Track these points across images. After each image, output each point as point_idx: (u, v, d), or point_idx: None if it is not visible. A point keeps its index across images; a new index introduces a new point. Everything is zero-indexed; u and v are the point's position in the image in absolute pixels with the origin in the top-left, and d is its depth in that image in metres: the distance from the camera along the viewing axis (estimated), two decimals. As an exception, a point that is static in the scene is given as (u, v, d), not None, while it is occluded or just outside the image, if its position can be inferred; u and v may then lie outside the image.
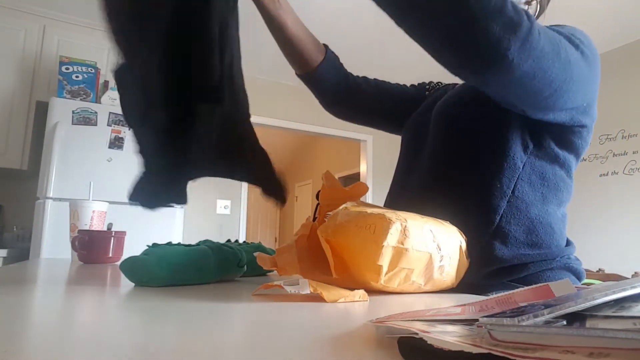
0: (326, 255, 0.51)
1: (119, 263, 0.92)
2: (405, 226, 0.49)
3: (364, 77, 0.95)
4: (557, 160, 0.69)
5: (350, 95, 0.93)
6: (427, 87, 0.94)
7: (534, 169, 0.67)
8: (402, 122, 0.91)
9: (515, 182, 0.66)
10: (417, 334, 0.22)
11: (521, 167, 0.67)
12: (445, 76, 0.89)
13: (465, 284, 0.60)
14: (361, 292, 0.45)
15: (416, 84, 0.97)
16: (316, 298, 0.44)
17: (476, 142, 0.71)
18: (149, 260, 0.52)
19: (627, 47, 3.10)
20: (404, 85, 0.97)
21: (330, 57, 0.91)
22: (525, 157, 0.67)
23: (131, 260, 0.53)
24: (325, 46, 0.91)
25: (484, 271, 0.65)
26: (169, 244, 0.58)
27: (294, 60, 0.88)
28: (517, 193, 0.66)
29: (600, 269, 2.62)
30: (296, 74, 0.92)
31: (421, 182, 0.75)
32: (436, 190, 0.73)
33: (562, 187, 0.70)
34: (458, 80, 0.70)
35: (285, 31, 0.82)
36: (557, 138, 0.67)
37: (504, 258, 0.64)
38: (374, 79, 0.96)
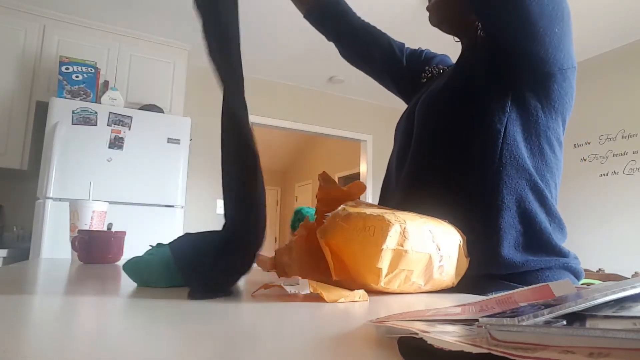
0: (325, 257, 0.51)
1: (119, 263, 0.92)
2: (405, 228, 0.49)
3: (366, 26, 0.99)
4: (546, 138, 0.69)
5: (350, 40, 0.99)
6: (424, 73, 0.94)
7: (519, 156, 0.68)
8: (397, 81, 0.98)
9: (501, 152, 0.67)
10: (417, 334, 0.22)
11: (502, 132, 0.68)
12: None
13: (466, 284, 0.60)
14: (361, 292, 0.45)
15: (425, 49, 0.99)
16: (316, 298, 0.44)
17: (454, 136, 0.72)
18: (155, 260, 0.51)
19: (627, 47, 3.10)
20: (408, 48, 0.99)
21: (335, 3, 0.98)
22: (504, 120, 0.68)
23: (135, 260, 0.53)
24: None
25: (486, 264, 0.65)
26: (158, 244, 0.57)
27: None
28: (504, 165, 0.67)
29: (600, 269, 2.62)
30: (303, 15, 1.00)
31: (411, 179, 0.76)
32: (426, 186, 0.73)
33: (553, 163, 0.71)
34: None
35: None
36: (535, 91, 0.68)
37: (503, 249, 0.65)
38: (379, 31, 1.00)
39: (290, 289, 0.43)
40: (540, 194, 0.68)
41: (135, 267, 0.52)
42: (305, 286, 0.43)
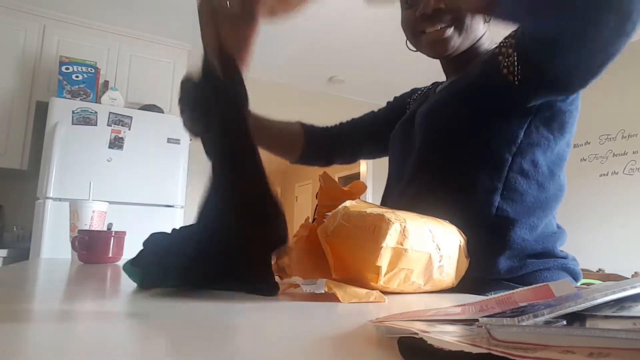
0: (326, 256, 0.51)
1: (119, 263, 0.92)
2: (405, 227, 0.49)
3: (340, 128, 1.03)
4: (549, 148, 0.69)
5: (340, 153, 1.04)
6: (409, 98, 0.96)
7: (524, 160, 0.68)
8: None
9: (507, 176, 0.67)
10: (417, 334, 0.22)
11: (510, 160, 0.68)
12: (440, 75, 0.90)
13: (465, 284, 0.60)
14: (376, 292, 0.44)
15: (393, 98, 1.02)
16: (318, 297, 0.44)
17: (460, 142, 0.71)
18: None
19: (627, 47, 3.09)
20: (379, 111, 1.02)
21: (309, 136, 1.01)
22: (514, 149, 0.68)
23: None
24: (300, 124, 1.02)
25: (490, 266, 0.65)
26: None
27: (283, 151, 1.01)
28: (509, 185, 0.67)
29: (600, 269, 2.62)
30: (291, 162, 1.04)
31: (416, 187, 0.76)
32: (430, 193, 0.73)
33: (556, 178, 0.71)
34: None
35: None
36: (549, 124, 0.68)
37: (507, 247, 0.66)
38: (351, 123, 1.04)
39: (307, 288, 0.43)
40: (546, 210, 0.69)
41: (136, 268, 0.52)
42: (322, 285, 0.43)
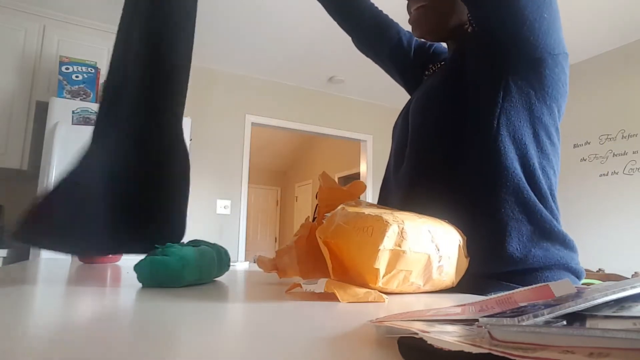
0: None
1: (119, 263, 0.92)
2: (403, 228, 0.49)
3: (377, 15, 0.98)
4: (540, 123, 0.69)
5: (359, 32, 0.99)
6: (427, 71, 0.94)
7: (520, 145, 0.68)
8: (403, 74, 0.97)
9: (499, 164, 0.67)
10: (417, 333, 0.22)
11: (500, 142, 0.67)
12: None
13: (466, 284, 0.60)
14: (375, 292, 0.44)
15: (427, 43, 0.98)
16: (318, 297, 0.44)
17: (449, 134, 0.72)
18: (172, 261, 0.50)
19: (627, 47, 3.10)
20: (412, 41, 0.98)
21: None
22: (499, 135, 0.68)
23: (150, 260, 0.51)
24: None
25: (491, 262, 0.65)
26: (168, 245, 0.57)
27: None
28: (509, 179, 0.67)
29: (600, 269, 2.61)
30: None
31: (409, 178, 0.76)
32: (423, 185, 0.73)
33: (550, 150, 0.71)
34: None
35: None
36: (536, 89, 0.68)
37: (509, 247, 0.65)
38: (387, 20, 0.98)
39: (307, 288, 0.43)
40: (536, 183, 0.68)
41: (151, 268, 0.51)
42: (322, 285, 0.43)
